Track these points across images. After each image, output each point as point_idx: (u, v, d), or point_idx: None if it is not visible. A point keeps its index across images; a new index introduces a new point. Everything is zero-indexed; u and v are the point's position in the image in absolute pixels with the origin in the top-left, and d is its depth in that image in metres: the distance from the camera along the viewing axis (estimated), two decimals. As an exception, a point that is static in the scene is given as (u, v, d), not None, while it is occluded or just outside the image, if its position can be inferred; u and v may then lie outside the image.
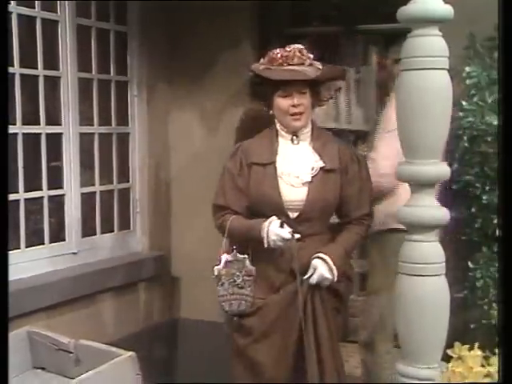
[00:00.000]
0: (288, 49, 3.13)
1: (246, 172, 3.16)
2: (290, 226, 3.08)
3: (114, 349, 3.17)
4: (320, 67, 3.14)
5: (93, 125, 4.26)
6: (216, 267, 3.12)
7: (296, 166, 3.15)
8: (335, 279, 3.11)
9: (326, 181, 3.14)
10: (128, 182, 4.57)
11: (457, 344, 2.92)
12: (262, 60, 3.20)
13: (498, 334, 2.33)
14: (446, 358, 2.77)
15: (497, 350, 2.83)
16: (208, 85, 4.69)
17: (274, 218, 3.07)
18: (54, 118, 3.94)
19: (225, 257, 3.11)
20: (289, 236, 3.03)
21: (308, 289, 3.13)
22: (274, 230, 3.04)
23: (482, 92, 3.62)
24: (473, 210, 3.68)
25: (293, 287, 3.12)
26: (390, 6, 3.07)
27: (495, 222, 3.56)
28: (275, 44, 4.61)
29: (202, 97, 4.71)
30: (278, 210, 3.10)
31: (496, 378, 2.75)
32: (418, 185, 2.90)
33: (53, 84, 3.94)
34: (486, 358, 2.84)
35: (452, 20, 3.84)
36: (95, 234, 4.30)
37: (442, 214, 2.98)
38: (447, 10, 2.85)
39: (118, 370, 3.03)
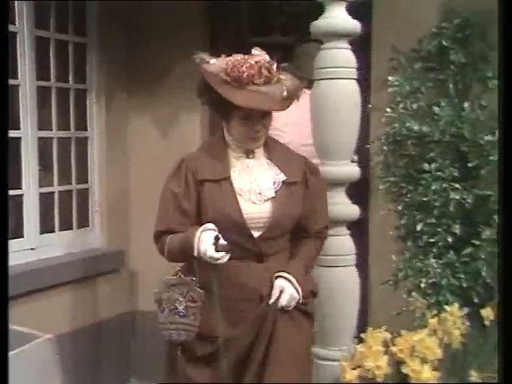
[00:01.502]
0: (254, 62, 2.71)
1: (194, 191, 2.81)
2: (253, 245, 2.81)
3: (34, 331, 3.13)
4: (286, 83, 2.76)
5: (51, 129, 4.55)
6: (157, 290, 2.77)
7: (255, 181, 2.85)
8: (301, 299, 2.86)
9: (290, 195, 2.87)
10: (87, 182, 4.86)
11: (369, 328, 3.25)
12: (215, 61, 2.77)
13: (498, 334, 2.36)
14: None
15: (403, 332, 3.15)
16: (164, 93, 4.97)
17: (209, 225, 2.74)
18: (13, 124, 4.21)
19: (167, 279, 2.76)
20: (218, 256, 2.67)
21: (277, 314, 2.84)
22: (206, 241, 2.69)
23: (405, 100, 3.93)
24: (399, 208, 3.98)
25: (261, 314, 2.83)
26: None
27: (418, 217, 3.86)
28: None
29: (159, 104, 5.00)
30: (240, 229, 2.79)
31: (400, 355, 3.06)
32: (330, 184, 3.22)
33: (13, 91, 4.22)
34: (393, 339, 3.16)
35: (380, 33, 4.20)
36: (54, 231, 4.58)
37: (353, 211, 3.30)
38: (354, 26, 3.17)
39: (37, 352, 3.04)
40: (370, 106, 4.12)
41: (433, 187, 3.73)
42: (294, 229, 2.94)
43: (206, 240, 2.68)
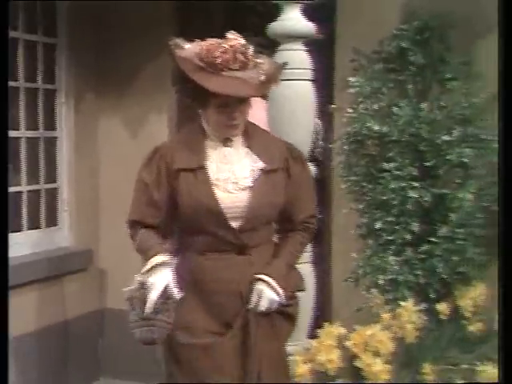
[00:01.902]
0: (228, 46, 2.60)
1: (166, 181, 2.72)
2: (233, 237, 2.72)
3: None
4: (264, 67, 2.66)
5: (20, 129, 4.59)
6: (128, 288, 2.68)
7: (232, 170, 2.75)
8: (283, 301, 2.75)
9: (269, 183, 2.75)
10: (55, 182, 4.90)
11: (326, 324, 3.32)
12: (189, 46, 2.69)
13: (498, 334, 2.39)
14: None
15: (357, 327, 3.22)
16: (133, 93, 5.03)
17: (160, 258, 2.67)
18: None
19: (138, 277, 2.69)
20: (149, 307, 2.61)
21: (258, 318, 2.74)
22: (157, 284, 2.64)
23: (366, 101, 3.99)
24: (360, 206, 4.04)
25: (243, 320, 2.73)
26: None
27: (377, 216, 3.93)
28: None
29: (128, 105, 5.06)
30: (217, 219, 2.69)
31: (354, 350, 3.13)
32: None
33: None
34: (348, 334, 3.23)
35: (343, 35, 4.27)
36: (21, 230, 4.62)
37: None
38: (309, 27, 3.24)
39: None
40: (333, 106, 4.20)
41: (391, 186, 3.79)
42: (279, 220, 2.86)
43: (158, 282, 2.63)
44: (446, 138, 3.75)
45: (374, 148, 3.96)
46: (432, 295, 3.70)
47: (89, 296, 5.03)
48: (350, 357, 3.09)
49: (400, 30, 3.98)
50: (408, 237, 3.80)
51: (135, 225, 2.79)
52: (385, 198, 3.84)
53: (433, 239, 3.72)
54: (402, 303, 3.45)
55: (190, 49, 2.65)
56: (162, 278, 2.64)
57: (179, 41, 2.70)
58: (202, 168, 2.72)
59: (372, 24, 4.15)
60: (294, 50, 3.22)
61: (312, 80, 3.27)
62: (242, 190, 2.73)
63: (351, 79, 3.97)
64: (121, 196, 5.02)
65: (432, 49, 3.95)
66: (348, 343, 3.11)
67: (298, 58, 3.23)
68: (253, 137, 2.80)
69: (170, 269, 2.67)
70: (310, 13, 3.55)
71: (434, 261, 3.70)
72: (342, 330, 3.20)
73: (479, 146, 3.79)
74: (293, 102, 3.19)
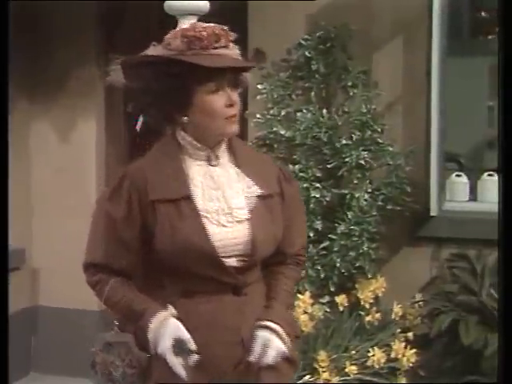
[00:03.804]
0: (205, 26, 2.20)
1: (139, 216, 2.18)
2: (229, 277, 2.19)
3: None
4: (238, 51, 2.26)
5: None
6: (92, 349, 2.29)
7: (224, 198, 2.23)
8: (288, 349, 2.25)
9: (267, 212, 2.26)
10: (-14, 184, 5.10)
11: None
12: (154, 44, 2.25)
13: (499, 334, 2.29)
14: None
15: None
16: (63, 100, 5.22)
17: (171, 313, 2.16)
18: None
19: (102, 336, 2.30)
20: (176, 365, 2.10)
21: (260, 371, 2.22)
22: (165, 340, 2.11)
23: (274, 107, 4.25)
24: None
25: (242, 372, 2.20)
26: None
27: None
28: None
29: (58, 109, 5.26)
30: (211, 260, 2.17)
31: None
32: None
33: None
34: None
35: (255, 43, 4.52)
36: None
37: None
38: (203, 4, 3.50)
39: None
40: (246, 112, 4.46)
41: (295, 186, 4.06)
42: None
43: (166, 338, 2.11)
44: (345, 141, 4.03)
45: (281, 151, 4.23)
46: (332, 289, 3.97)
47: (22, 294, 5.21)
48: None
49: (305, 40, 4.25)
50: (311, 234, 4.06)
51: (98, 269, 2.23)
52: (290, 198, 4.10)
53: (332, 236, 3.99)
54: (300, 296, 3.71)
55: (157, 46, 2.23)
56: (171, 329, 2.12)
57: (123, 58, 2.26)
58: (186, 197, 2.18)
59: (280, 33, 4.42)
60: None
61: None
62: (238, 222, 2.22)
63: (259, 86, 4.23)
64: (52, 197, 5.27)
65: (335, 58, 4.23)
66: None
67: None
68: (240, 154, 2.30)
69: (175, 319, 2.15)
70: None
71: (333, 256, 3.96)
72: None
73: (375, 149, 4.07)
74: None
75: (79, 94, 5.15)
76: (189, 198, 2.18)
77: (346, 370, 3.66)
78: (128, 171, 2.25)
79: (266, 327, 2.22)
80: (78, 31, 5.12)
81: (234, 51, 2.21)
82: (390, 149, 4.08)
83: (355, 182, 4.04)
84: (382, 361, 3.69)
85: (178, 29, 2.26)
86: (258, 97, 4.22)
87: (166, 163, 2.22)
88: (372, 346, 3.78)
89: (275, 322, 2.23)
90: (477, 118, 5.12)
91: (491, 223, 4.17)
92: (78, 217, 5.02)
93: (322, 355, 3.62)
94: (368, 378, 3.71)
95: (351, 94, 4.21)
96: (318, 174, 4.10)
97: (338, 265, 3.95)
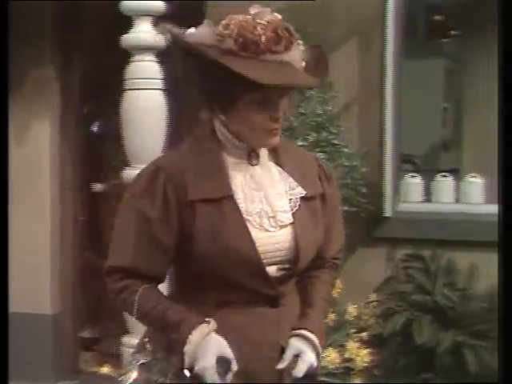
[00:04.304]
0: (266, 22, 1.86)
1: (177, 216, 1.94)
2: (269, 288, 1.99)
3: None
4: (302, 47, 1.96)
5: None
6: (131, 376, 2.01)
7: (267, 199, 2.01)
8: (319, 362, 2.07)
9: (311, 215, 2.06)
10: None
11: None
12: (199, 29, 1.91)
13: (498, 335, 2.25)
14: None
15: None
16: (18, 100, 5.17)
17: (213, 327, 1.92)
18: None
19: (134, 358, 2.03)
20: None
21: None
22: (207, 359, 1.88)
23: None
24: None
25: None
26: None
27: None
28: (79, 64, 5.26)
29: (14, 112, 5.20)
30: (252, 268, 1.96)
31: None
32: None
33: None
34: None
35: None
36: None
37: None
38: (157, 40, 3.47)
39: None
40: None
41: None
42: None
43: (208, 354, 1.88)
44: (300, 142, 4.03)
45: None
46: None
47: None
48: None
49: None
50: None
51: (126, 274, 1.98)
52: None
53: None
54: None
55: (201, 32, 1.90)
56: (216, 346, 1.90)
57: (171, 26, 1.97)
58: (228, 197, 1.96)
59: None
60: (146, 60, 3.44)
61: (164, 90, 3.49)
62: (282, 227, 2.01)
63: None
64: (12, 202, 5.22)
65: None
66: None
67: (149, 68, 3.44)
68: (281, 150, 2.09)
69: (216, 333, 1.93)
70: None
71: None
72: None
73: (331, 151, 4.08)
74: (144, 110, 3.41)
75: (35, 96, 5.11)
76: (231, 199, 1.96)
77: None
78: (162, 164, 1.98)
79: (301, 336, 2.03)
80: (33, 32, 5.07)
81: (295, 53, 1.91)
82: (346, 150, 4.08)
83: (310, 182, 4.05)
84: (337, 361, 3.70)
85: (235, 17, 1.87)
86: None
87: (205, 158, 1.98)
88: (326, 347, 3.79)
89: (311, 331, 2.04)
90: (431, 119, 5.18)
91: (445, 224, 4.29)
92: (32, 217, 5.01)
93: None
94: (322, 379, 3.71)
95: (307, 95, 4.22)
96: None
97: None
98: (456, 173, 4.61)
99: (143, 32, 3.44)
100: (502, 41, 2.23)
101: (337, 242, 2.19)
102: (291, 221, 2.01)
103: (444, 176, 4.43)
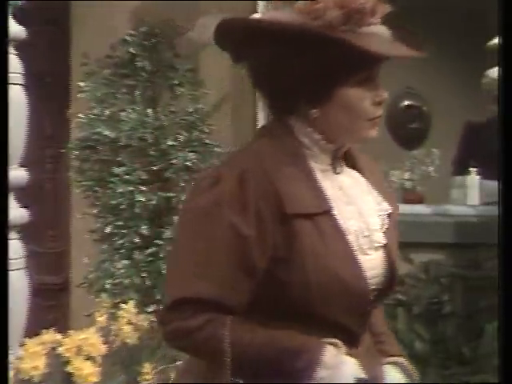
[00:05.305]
0: None
1: (272, 233, 1.54)
2: (359, 324, 1.64)
3: None
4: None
5: None
6: None
7: (361, 216, 1.66)
8: None
9: (396, 236, 1.74)
10: None
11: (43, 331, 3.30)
12: (285, 11, 1.61)
13: (498, 334, 2.12)
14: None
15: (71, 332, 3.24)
16: None
17: (340, 345, 1.57)
18: None
19: None
20: None
21: None
22: (354, 377, 1.56)
23: (97, 106, 4.02)
24: (94, 211, 4.07)
25: None
26: None
27: (108, 220, 3.97)
28: None
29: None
30: (355, 303, 1.60)
31: (66, 354, 3.15)
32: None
33: None
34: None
35: (77, 40, 4.28)
36: None
37: (20, 215, 3.34)
38: (19, 30, 3.22)
39: None
40: (69, 111, 4.21)
41: (120, 190, 3.85)
42: None
43: (347, 376, 1.55)
44: (171, 142, 3.87)
45: (105, 153, 4.01)
46: (158, 297, 3.80)
47: None
48: (61, 362, 3.10)
49: (129, 36, 4.06)
50: (137, 240, 3.87)
51: (206, 307, 1.54)
52: (114, 202, 3.90)
53: (159, 241, 3.82)
54: (123, 305, 3.51)
55: (283, 14, 1.61)
56: (352, 367, 1.58)
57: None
58: (327, 213, 1.59)
59: (104, 29, 4.20)
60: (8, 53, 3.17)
61: (23, 85, 3.24)
62: (377, 248, 1.67)
63: (81, 84, 4.00)
64: None
65: (160, 55, 4.07)
66: (61, 349, 3.12)
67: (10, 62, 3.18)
68: (358, 157, 1.74)
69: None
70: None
71: (159, 263, 3.80)
72: (58, 336, 3.20)
73: (203, 151, 3.94)
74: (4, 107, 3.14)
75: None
76: (329, 214, 1.58)
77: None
78: (245, 167, 1.55)
79: (395, 363, 1.73)
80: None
81: (383, 29, 1.61)
82: (218, 150, 3.96)
83: (182, 184, 3.89)
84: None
85: None
86: (80, 95, 3.99)
87: (293, 163, 1.59)
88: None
89: (400, 356, 1.75)
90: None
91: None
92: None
93: (147, 367, 3.44)
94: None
95: (178, 92, 4.07)
96: (144, 177, 3.92)
97: (164, 272, 3.79)
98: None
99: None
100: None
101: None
102: (385, 242, 1.67)
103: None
